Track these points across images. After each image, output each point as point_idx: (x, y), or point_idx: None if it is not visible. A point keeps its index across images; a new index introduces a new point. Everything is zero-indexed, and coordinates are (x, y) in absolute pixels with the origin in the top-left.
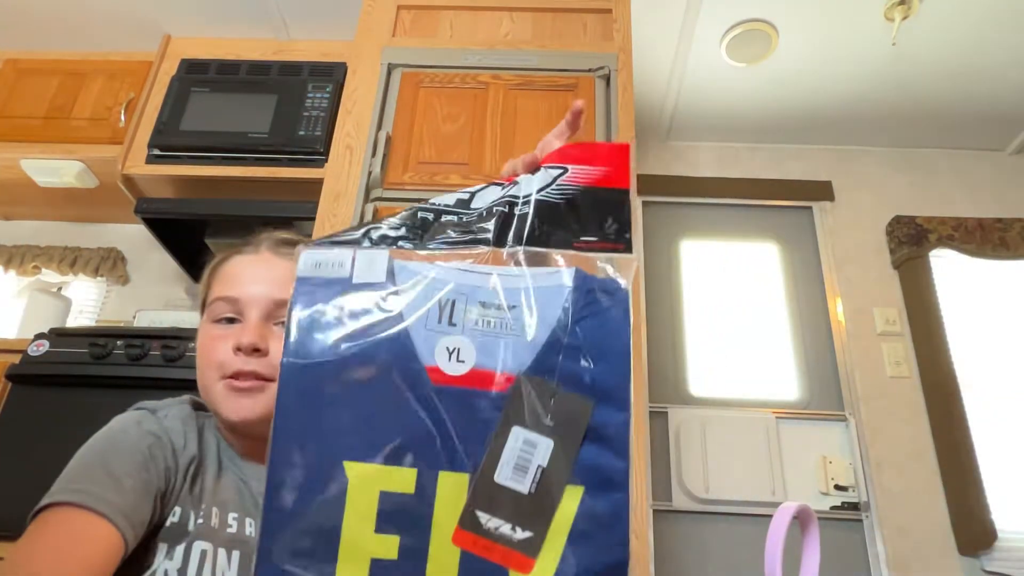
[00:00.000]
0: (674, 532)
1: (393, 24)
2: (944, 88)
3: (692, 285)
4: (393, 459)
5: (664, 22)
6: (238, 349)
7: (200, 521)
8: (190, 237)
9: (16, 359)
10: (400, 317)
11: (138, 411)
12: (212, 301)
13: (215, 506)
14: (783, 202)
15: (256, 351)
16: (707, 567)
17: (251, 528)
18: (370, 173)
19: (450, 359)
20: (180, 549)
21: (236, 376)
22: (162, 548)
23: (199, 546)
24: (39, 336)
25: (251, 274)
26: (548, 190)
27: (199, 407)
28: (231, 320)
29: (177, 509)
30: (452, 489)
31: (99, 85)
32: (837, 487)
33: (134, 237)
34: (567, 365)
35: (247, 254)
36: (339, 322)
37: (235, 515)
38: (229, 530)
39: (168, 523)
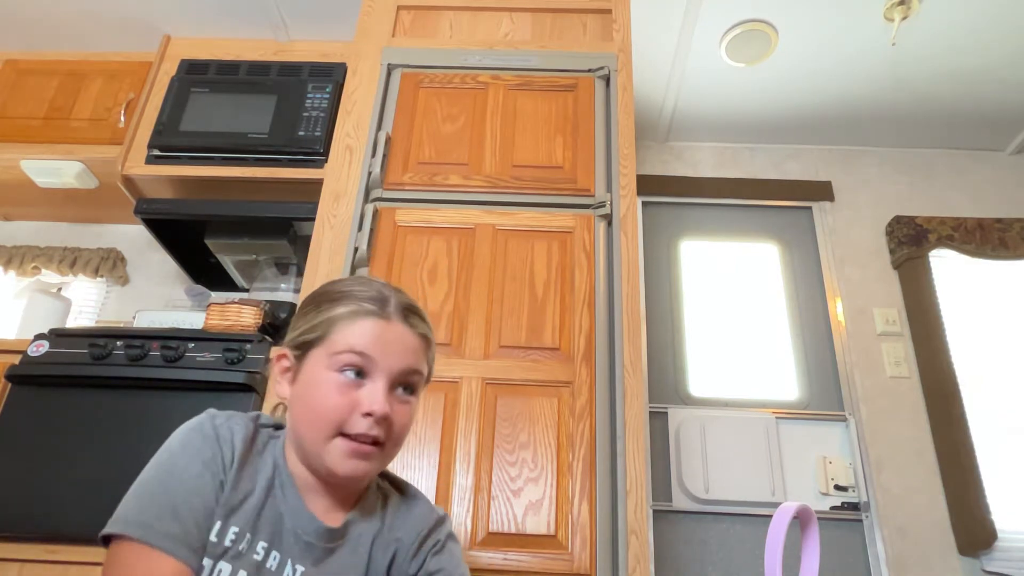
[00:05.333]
0: (674, 532)
1: (393, 24)
2: (944, 88)
3: (692, 285)
4: None
5: (664, 22)
6: (367, 414)
7: (231, 541)
8: (190, 238)
9: (16, 360)
10: None
11: (201, 417)
12: (342, 351)
13: (249, 531)
14: (783, 202)
15: (383, 419)
16: (707, 567)
17: (273, 561)
18: (370, 173)
19: None
20: (206, 566)
21: (358, 438)
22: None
23: (222, 566)
24: (39, 337)
25: (386, 340)
26: None
27: (263, 425)
28: (356, 374)
29: (217, 523)
30: None
31: (99, 86)
32: (837, 487)
33: (134, 237)
34: None
35: (378, 317)
36: None
37: (264, 544)
38: (255, 556)
39: (209, 539)
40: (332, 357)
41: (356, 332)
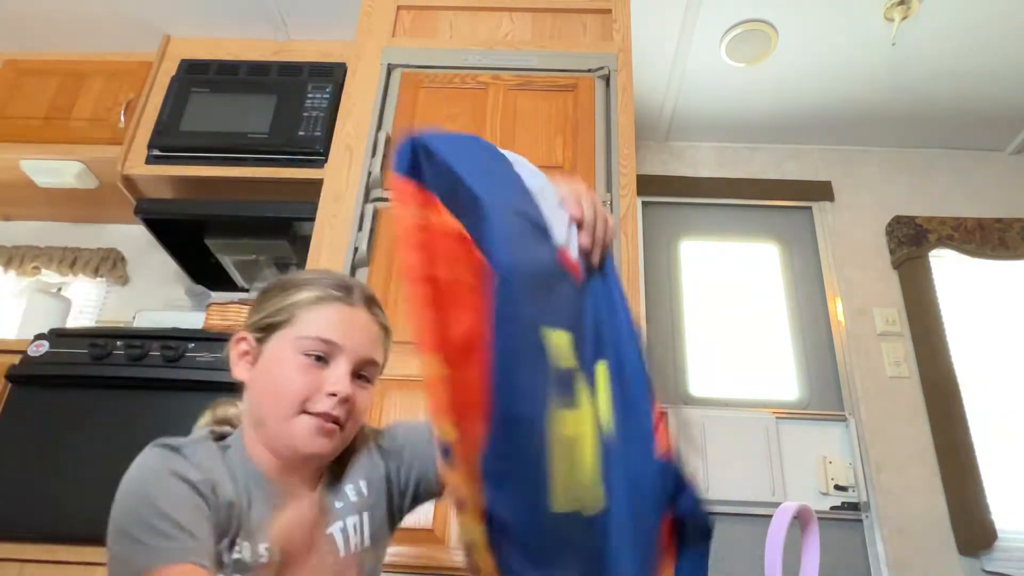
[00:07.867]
0: None
1: (393, 24)
2: (944, 88)
3: (692, 285)
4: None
5: (664, 22)
6: (332, 394)
7: (237, 555)
8: (190, 238)
9: (16, 360)
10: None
11: (161, 451)
12: (307, 336)
13: (246, 540)
14: (783, 202)
15: (345, 401)
16: None
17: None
18: (370, 173)
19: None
20: None
21: (321, 416)
22: None
23: None
24: (39, 336)
25: (351, 326)
26: None
27: (218, 437)
28: (319, 359)
29: (245, 544)
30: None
31: (99, 85)
32: (837, 487)
33: (134, 237)
34: None
35: (344, 303)
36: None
37: (265, 544)
38: (261, 560)
39: (235, 558)
40: (298, 340)
41: (322, 317)
